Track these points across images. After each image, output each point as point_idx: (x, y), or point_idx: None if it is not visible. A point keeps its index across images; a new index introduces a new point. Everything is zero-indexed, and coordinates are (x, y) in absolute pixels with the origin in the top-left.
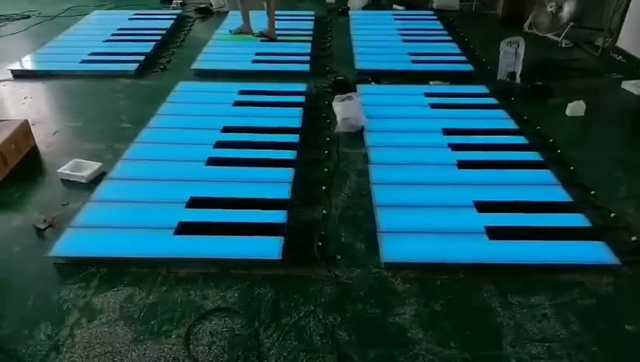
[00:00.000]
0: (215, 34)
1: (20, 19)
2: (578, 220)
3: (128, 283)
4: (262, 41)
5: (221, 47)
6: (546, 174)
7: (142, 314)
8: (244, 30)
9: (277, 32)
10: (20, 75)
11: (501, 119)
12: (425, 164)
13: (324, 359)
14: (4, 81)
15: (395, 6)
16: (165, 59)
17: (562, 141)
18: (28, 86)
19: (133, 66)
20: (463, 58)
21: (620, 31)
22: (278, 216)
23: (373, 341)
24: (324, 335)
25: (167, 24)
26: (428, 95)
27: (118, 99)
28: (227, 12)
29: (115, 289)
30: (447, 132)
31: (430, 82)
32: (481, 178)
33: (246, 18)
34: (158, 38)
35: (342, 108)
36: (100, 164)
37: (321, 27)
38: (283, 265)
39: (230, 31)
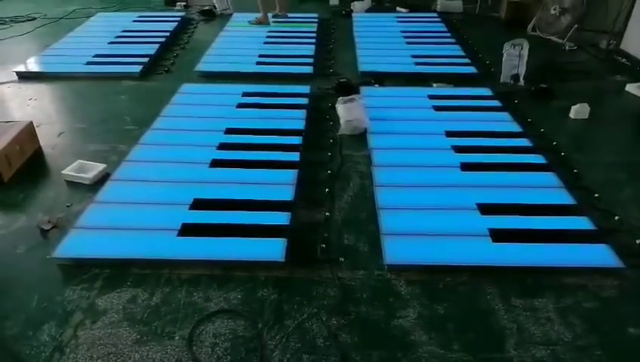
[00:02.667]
0: (219, 36)
1: (25, 21)
2: (582, 223)
3: (132, 284)
4: (275, 22)
5: (224, 49)
6: (549, 177)
7: (145, 316)
8: (262, 20)
9: (281, 34)
10: (25, 77)
11: (505, 121)
12: (428, 166)
13: (328, 361)
14: (9, 82)
15: (398, 8)
16: (169, 61)
17: (566, 144)
18: (33, 87)
19: (137, 68)
20: (467, 60)
21: (624, 33)
22: (282, 218)
23: (376, 343)
24: (327, 338)
25: (171, 26)
26: (431, 97)
27: (122, 101)
28: (231, 14)
29: (119, 290)
30: (451, 134)
31: (433, 84)
32: (485, 180)
33: (264, 11)
34: (162, 40)
35: (345, 111)
36: (104, 165)
37: (325, 29)
38: (286, 267)
39: (249, 21)
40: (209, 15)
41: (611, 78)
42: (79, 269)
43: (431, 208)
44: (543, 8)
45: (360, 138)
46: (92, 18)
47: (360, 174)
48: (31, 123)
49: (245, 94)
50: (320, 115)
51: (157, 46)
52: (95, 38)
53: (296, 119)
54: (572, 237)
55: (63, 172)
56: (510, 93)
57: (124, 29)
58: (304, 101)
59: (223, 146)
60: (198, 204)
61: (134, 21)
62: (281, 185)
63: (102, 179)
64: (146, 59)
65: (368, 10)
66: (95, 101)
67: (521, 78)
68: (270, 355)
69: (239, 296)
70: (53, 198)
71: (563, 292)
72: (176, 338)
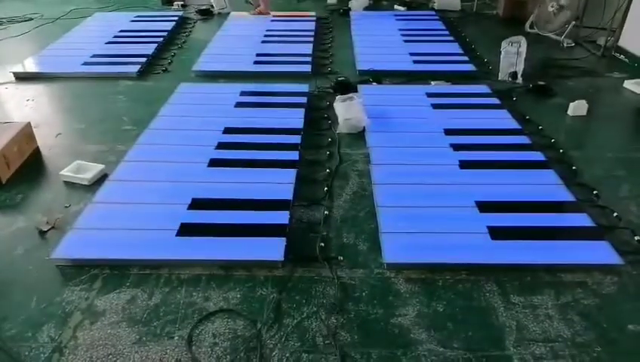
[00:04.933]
0: (217, 35)
1: (22, 21)
2: (581, 220)
3: (131, 284)
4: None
5: (222, 48)
6: (548, 174)
7: (144, 316)
8: (262, 11)
9: (279, 32)
10: (22, 78)
11: (503, 119)
12: (426, 164)
13: (327, 360)
14: (6, 83)
15: (396, 6)
16: (167, 61)
17: (564, 140)
18: (30, 88)
19: (135, 68)
20: (465, 58)
21: (622, 30)
22: (281, 217)
23: (375, 342)
24: (326, 337)
25: (169, 26)
26: (429, 95)
27: (119, 101)
28: (228, 13)
29: (118, 290)
30: (449, 132)
31: (432, 82)
32: (483, 178)
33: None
34: (160, 39)
35: (343, 109)
36: (102, 165)
37: (323, 28)
38: (285, 266)
39: (251, 12)
40: (206, 14)
41: (609, 75)
42: (78, 270)
43: (430, 206)
44: (540, 5)
45: (358, 136)
46: (89, 18)
47: (358, 172)
48: (29, 124)
49: (243, 93)
50: (318, 113)
51: (154, 46)
52: (92, 38)
53: (295, 118)
54: (571, 235)
55: (61, 173)
56: (508, 91)
57: (121, 28)
58: (302, 100)
59: (221, 146)
60: (197, 204)
61: (132, 21)
62: (280, 184)
63: (100, 180)
64: (143, 59)
65: (366, 9)
66: (93, 101)
67: (519, 76)
68: (270, 354)
69: (238, 296)
70: (51, 199)
71: (562, 290)
72: (176, 338)
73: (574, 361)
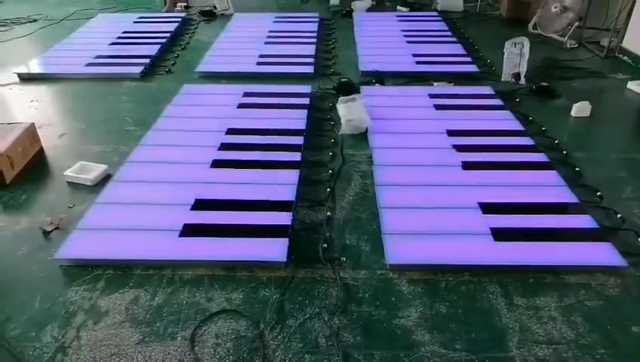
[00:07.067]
0: (220, 36)
1: (26, 22)
2: (584, 221)
3: (134, 285)
4: None
5: (225, 49)
6: (551, 175)
7: (147, 316)
8: None
9: (282, 33)
10: (26, 79)
11: (506, 120)
12: (429, 165)
13: (330, 361)
14: (10, 84)
15: (398, 7)
16: (170, 62)
17: (568, 142)
18: (34, 89)
19: (138, 69)
20: (468, 59)
21: (625, 31)
22: (283, 218)
23: (378, 343)
24: (329, 337)
25: (172, 27)
26: (432, 96)
27: (123, 102)
28: (231, 15)
29: (121, 291)
30: (452, 133)
31: (434, 83)
32: (486, 179)
33: None
34: (163, 40)
35: (346, 110)
36: (106, 166)
37: (325, 29)
38: (288, 267)
39: None
40: (209, 15)
41: (613, 76)
42: (81, 270)
43: (432, 207)
44: (543, 6)
45: (361, 137)
46: (93, 19)
47: (361, 173)
48: (33, 124)
49: (246, 94)
50: (321, 114)
51: (158, 47)
52: (96, 39)
53: (298, 119)
54: (574, 236)
55: (65, 173)
56: (511, 92)
57: (125, 30)
58: (305, 101)
59: (224, 147)
60: (200, 205)
61: (135, 22)
62: (283, 185)
63: (103, 180)
64: (147, 60)
65: (369, 10)
66: (96, 102)
67: (523, 77)
68: (272, 355)
69: (241, 296)
70: (55, 199)
71: (565, 291)
72: (179, 338)
73: None
